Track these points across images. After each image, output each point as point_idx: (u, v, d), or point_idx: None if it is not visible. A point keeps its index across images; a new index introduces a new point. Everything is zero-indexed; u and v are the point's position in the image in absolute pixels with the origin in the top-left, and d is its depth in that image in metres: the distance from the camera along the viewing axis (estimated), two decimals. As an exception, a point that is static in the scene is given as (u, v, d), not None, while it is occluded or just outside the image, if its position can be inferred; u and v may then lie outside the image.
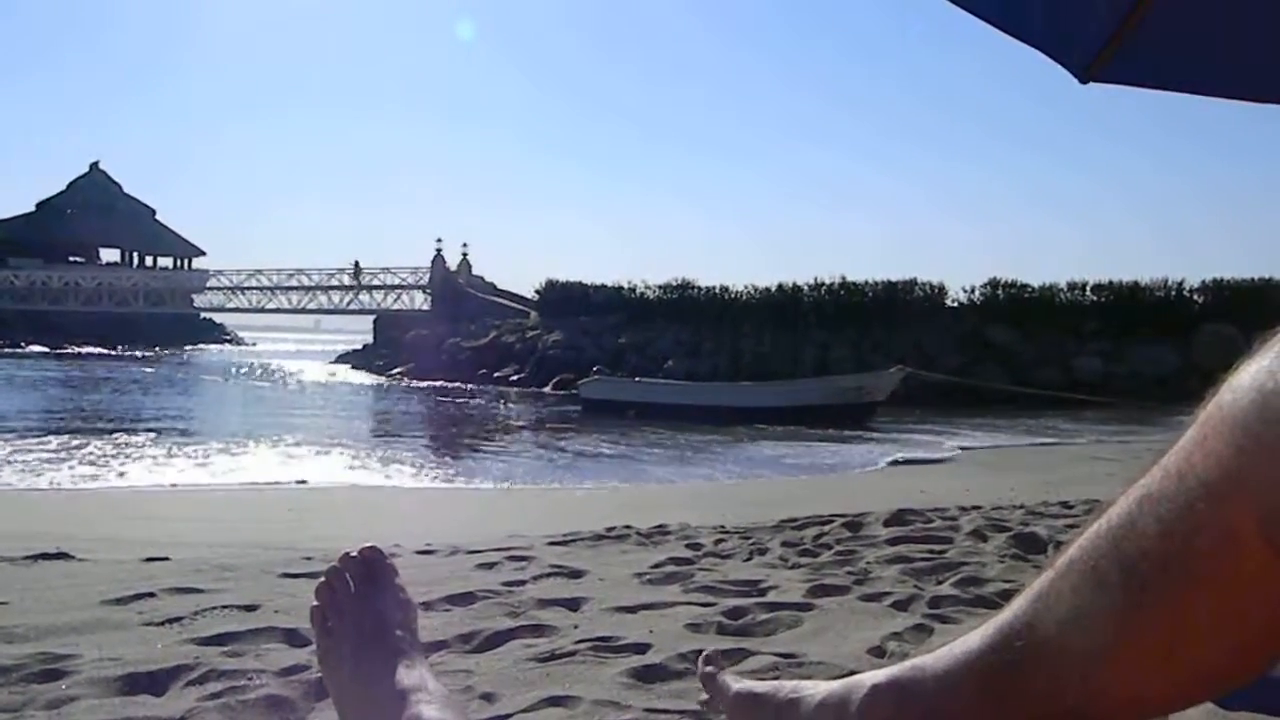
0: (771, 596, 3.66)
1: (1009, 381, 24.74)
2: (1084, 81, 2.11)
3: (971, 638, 0.68)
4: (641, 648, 2.89)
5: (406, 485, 11.38)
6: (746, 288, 33.98)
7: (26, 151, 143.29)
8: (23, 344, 45.36)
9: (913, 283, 31.46)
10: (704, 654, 0.93)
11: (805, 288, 32.66)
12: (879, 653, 2.93)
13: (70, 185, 76.30)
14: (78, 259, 66.19)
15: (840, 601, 3.57)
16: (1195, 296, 29.59)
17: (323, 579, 1.25)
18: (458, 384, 31.78)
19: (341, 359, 41.54)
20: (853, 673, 0.78)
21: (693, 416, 19.02)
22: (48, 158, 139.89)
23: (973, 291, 31.41)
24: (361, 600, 1.21)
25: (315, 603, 1.24)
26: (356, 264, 46.98)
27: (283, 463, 12.68)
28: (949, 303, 31.54)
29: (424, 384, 32.26)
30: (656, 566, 4.21)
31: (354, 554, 1.27)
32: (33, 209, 74.74)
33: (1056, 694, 0.61)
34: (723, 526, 5.75)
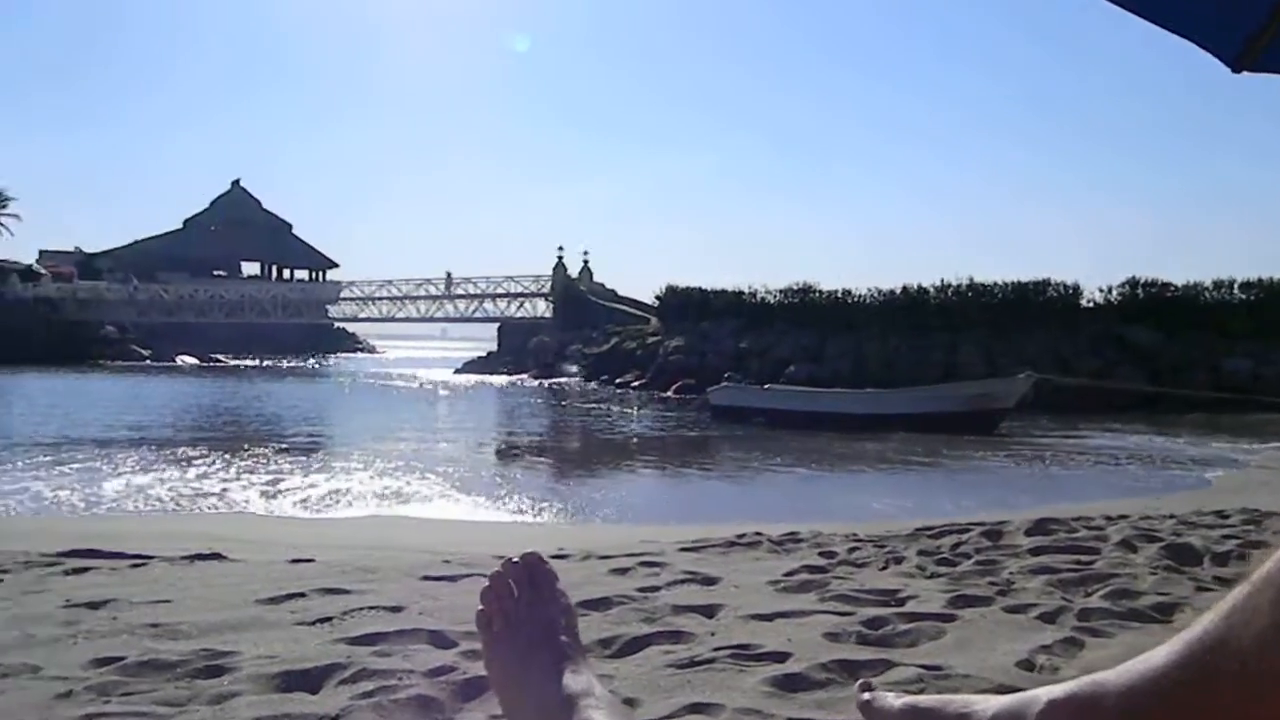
0: (911, 606, 3.58)
1: (1148, 385, 23.74)
2: (1236, 71, 2.02)
3: (1156, 654, 0.66)
4: (781, 656, 2.86)
5: (535, 488, 11.55)
6: (870, 290, 33.46)
7: (174, 171, 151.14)
8: (174, 356, 47.87)
9: (1045, 283, 30.44)
10: (859, 682, 0.91)
11: (931, 290, 31.95)
12: (1028, 666, 2.84)
13: (213, 202, 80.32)
14: (221, 273, 69.57)
15: (983, 613, 3.47)
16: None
17: (486, 584, 1.27)
18: (579, 390, 32.19)
19: (467, 366, 42.49)
20: (1002, 686, 0.75)
21: (821, 424, 18.80)
22: (193, 177, 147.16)
23: (1109, 291, 30.22)
24: (525, 605, 1.23)
25: (480, 607, 1.26)
26: (449, 275, 48.18)
27: (411, 474, 13.01)
28: (1084, 303, 30.40)
29: (547, 390, 32.76)
30: (790, 574, 4.17)
31: (516, 559, 1.29)
32: (180, 226, 78.93)
33: (1248, 712, 0.59)
34: (855, 534, 5.66)
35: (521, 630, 1.20)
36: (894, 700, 0.84)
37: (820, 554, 4.83)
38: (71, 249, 74.34)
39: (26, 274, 58.61)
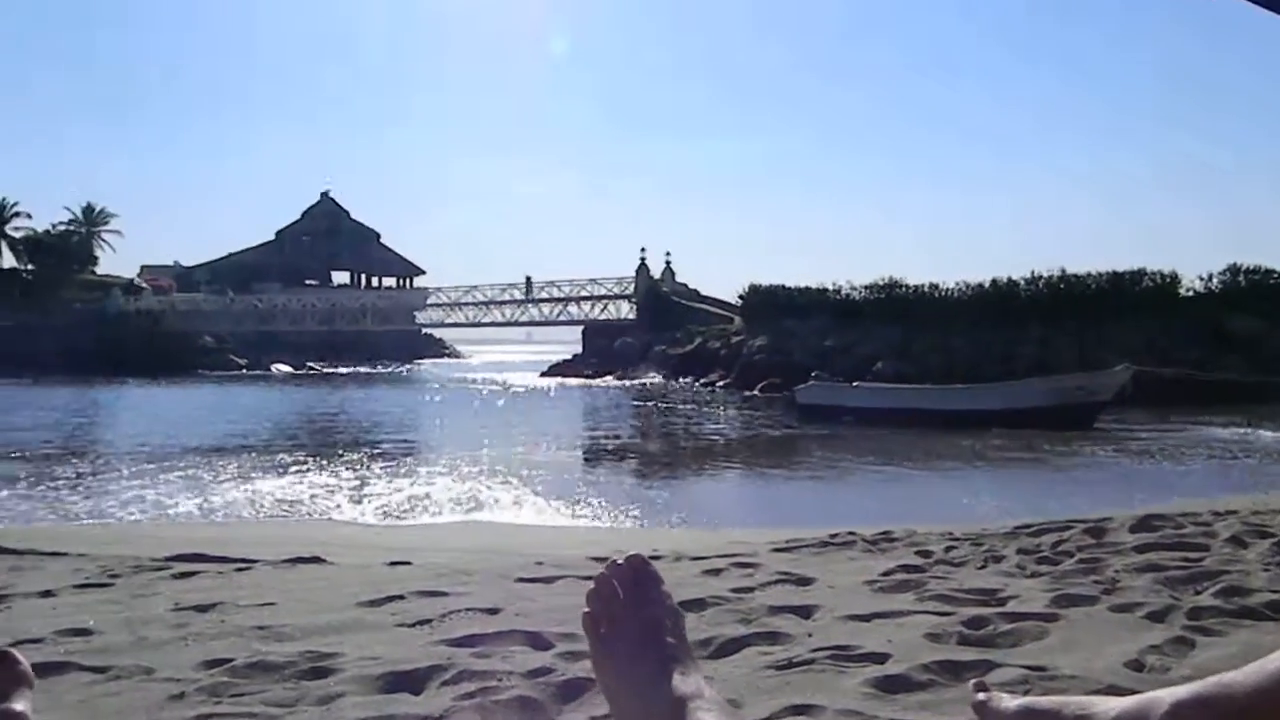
0: (1012, 606, 3.50)
1: (1252, 376, 22.86)
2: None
3: None
4: (880, 657, 2.81)
5: (622, 491, 11.59)
6: (958, 284, 32.90)
7: (267, 184, 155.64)
8: (269, 365, 49.31)
9: (1141, 272, 29.57)
10: (973, 682, 0.89)
11: (1021, 282, 31.28)
12: (1137, 667, 2.75)
13: (304, 214, 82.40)
14: (312, 282, 71.29)
15: (1088, 612, 3.37)
16: None
17: (592, 586, 1.27)
18: (663, 390, 32.23)
19: (552, 369, 42.83)
20: (1111, 688, 0.72)
21: (911, 421, 18.51)
22: (285, 189, 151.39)
23: (1210, 279, 29.21)
24: (631, 607, 1.23)
25: (585, 609, 1.25)
26: (528, 279, 48.68)
27: (498, 478, 13.15)
28: (1183, 291, 29.43)
29: (631, 391, 32.87)
30: (887, 574, 4.10)
31: (620, 561, 1.28)
32: (272, 237, 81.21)
33: None
34: (951, 533, 5.56)
35: (628, 632, 1.19)
36: (1009, 701, 0.82)
37: (916, 553, 4.75)
38: (170, 263, 77.18)
39: (129, 288, 61.01)
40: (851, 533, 5.48)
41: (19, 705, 1.00)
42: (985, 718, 0.83)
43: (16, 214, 76.95)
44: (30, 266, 64.68)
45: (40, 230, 70.36)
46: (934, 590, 3.77)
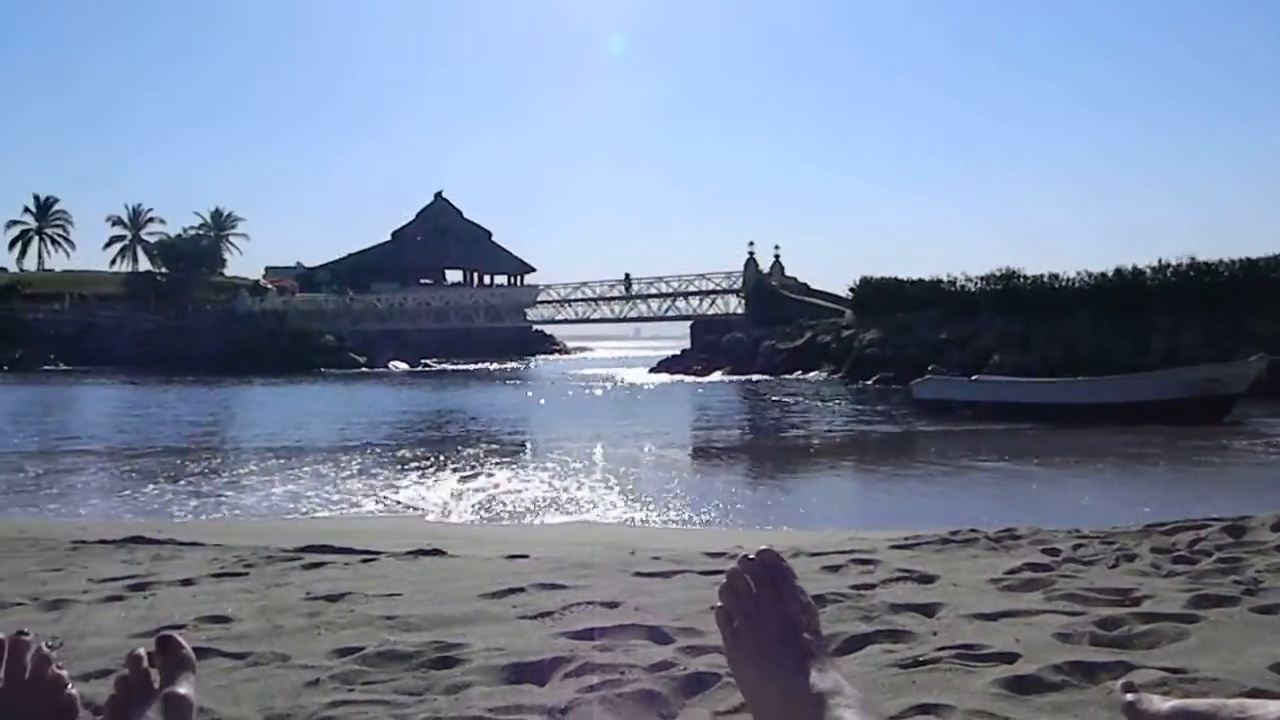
0: (1147, 606, 3.36)
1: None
2: None
3: None
4: (1009, 657, 2.74)
5: (734, 487, 11.55)
6: (1079, 274, 31.83)
7: (384, 186, 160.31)
8: (386, 362, 50.73)
9: (1278, 259, 28.09)
10: (1121, 682, 0.86)
11: (1148, 271, 30.07)
12: (1284, 670, 2.61)
13: (419, 214, 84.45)
14: (427, 280, 72.99)
15: (1229, 613, 3.22)
16: None
17: (724, 581, 1.26)
18: (773, 385, 31.98)
19: (661, 364, 42.87)
20: (1256, 691, 0.68)
21: (1034, 415, 17.97)
22: (400, 190, 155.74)
23: (1356, 264, 27.60)
24: (766, 602, 1.22)
25: (718, 604, 1.25)
26: (627, 276, 48.82)
27: (611, 475, 13.24)
28: (1325, 278, 27.88)
29: (741, 386, 32.72)
30: (1012, 572, 3.99)
31: (752, 556, 1.27)
32: (389, 238, 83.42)
33: None
34: (1079, 531, 5.37)
35: (763, 628, 1.18)
36: (1161, 703, 0.79)
37: (1043, 551, 4.60)
38: (293, 264, 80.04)
39: (255, 289, 63.48)
40: (973, 530, 5.34)
41: (183, 689, 1.04)
42: (1135, 719, 0.81)
43: (151, 220, 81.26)
44: (164, 270, 67.84)
45: (173, 235, 73.89)
46: (1063, 589, 3.65)
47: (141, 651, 1.09)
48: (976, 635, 2.99)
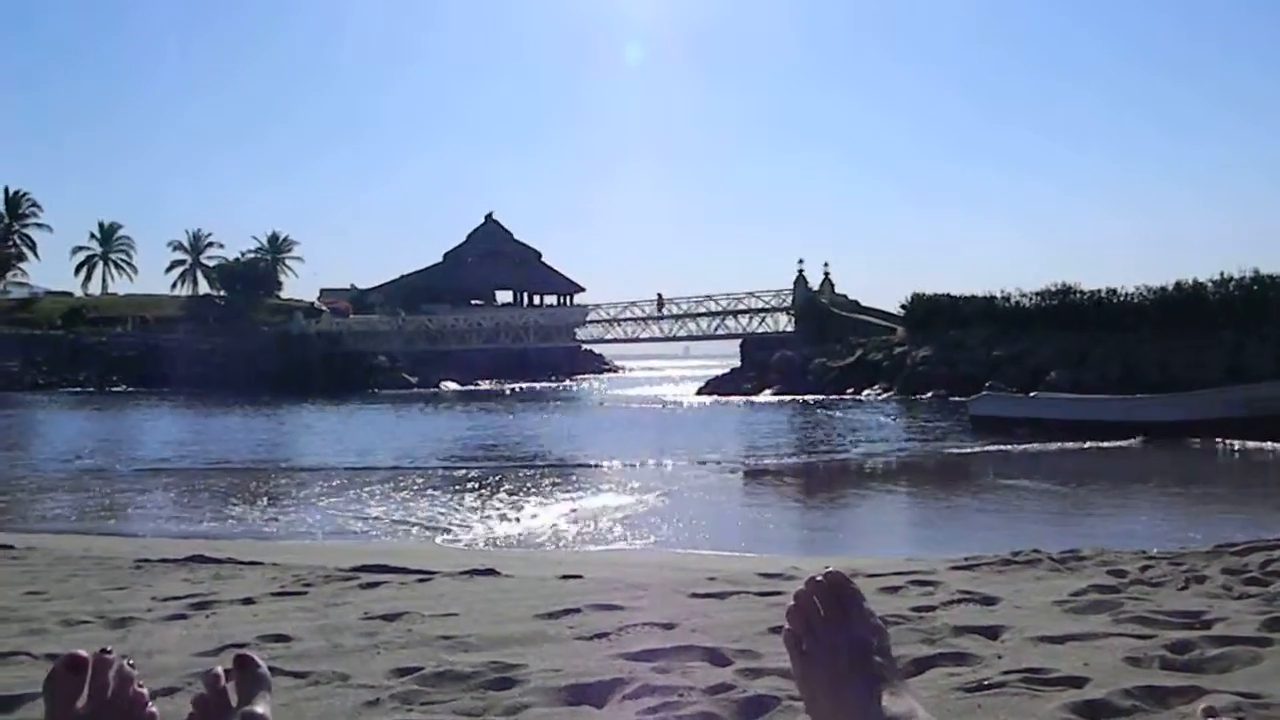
0: (1219, 629, 3.27)
1: None
2: None
3: None
4: (1078, 681, 2.67)
5: (786, 510, 11.46)
6: (1138, 288, 31.27)
7: (435, 208, 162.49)
8: (438, 382, 51.24)
9: (1346, 271, 27.43)
10: (1203, 706, 0.83)
11: (1210, 284, 29.46)
12: (1365, 697, 2.52)
13: (469, 236, 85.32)
14: (478, 301, 73.67)
15: (1307, 637, 3.12)
16: None
17: (791, 604, 1.24)
18: (825, 404, 31.74)
19: (710, 384, 42.67)
20: None
21: (1094, 433, 17.62)
22: (452, 213, 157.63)
23: None
24: (835, 625, 1.20)
25: (786, 626, 1.23)
26: (660, 296, 48.86)
27: (661, 494, 13.21)
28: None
29: (791, 405, 32.51)
30: (1078, 594, 3.90)
31: (819, 577, 1.25)
32: (440, 259, 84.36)
33: None
34: (1146, 552, 5.25)
35: (834, 651, 1.16)
36: None
37: (1109, 572, 4.50)
38: (347, 286, 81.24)
39: (309, 311, 64.50)
40: (1035, 551, 5.24)
41: (260, 708, 1.05)
42: None
43: (210, 244, 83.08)
44: (223, 293, 69.21)
45: (231, 259, 75.41)
46: (1131, 611, 3.56)
47: (219, 670, 1.10)
48: (1043, 658, 2.92)
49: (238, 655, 1.10)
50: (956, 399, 26.97)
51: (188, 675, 2.88)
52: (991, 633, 3.30)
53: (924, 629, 3.34)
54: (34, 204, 77.74)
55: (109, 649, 1.03)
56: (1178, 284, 30.25)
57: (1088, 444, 16.71)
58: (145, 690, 1.03)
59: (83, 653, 1.01)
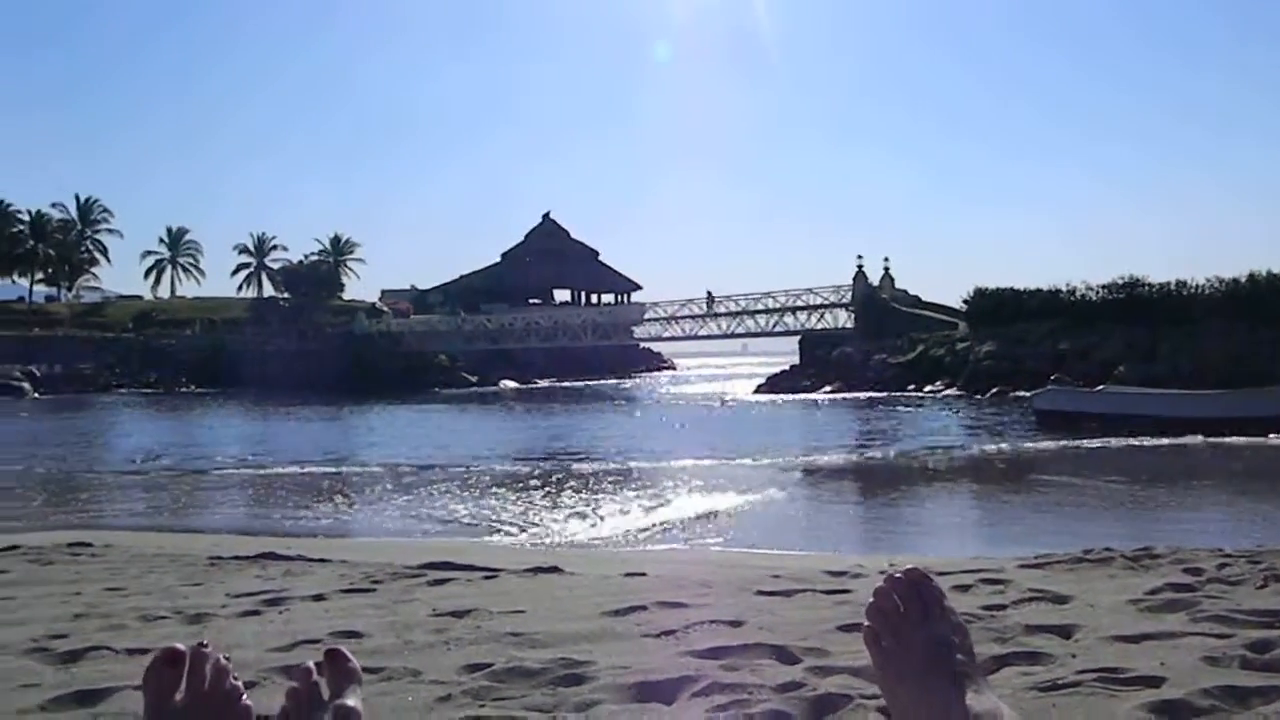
0: (1301, 629, 3.18)
1: None
2: None
3: None
4: (1154, 681, 2.62)
5: (848, 509, 11.37)
6: (1208, 280, 30.49)
7: (493, 209, 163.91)
8: (497, 381, 51.67)
9: None
10: None
11: (1284, 276, 28.66)
12: None
13: (527, 236, 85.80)
14: (536, 300, 74.08)
15: (1395, 638, 3.02)
16: None
17: (871, 602, 1.23)
18: (885, 400, 31.42)
19: (769, 381, 42.37)
20: None
21: (1164, 429, 17.20)
22: (509, 213, 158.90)
23: None
24: (916, 623, 1.19)
25: (866, 623, 1.23)
26: (709, 294, 48.62)
27: (720, 493, 13.16)
28: None
29: (852, 402, 32.22)
30: (1153, 593, 3.82)
31: (899, 574, 1.25)
32: (498, 259, 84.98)
33: None
34: (1222, 550, 5.12)
35: (915, 649, 1.15)
36: None
37: (1184, 570, 4.39)
38: (407, 286, 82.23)
39: (371, 311, 65.40)
40: (1108, 549, 5.13)
41: (351, 700, 1.07)
42: None
43: (275, 247, 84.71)
44: (287, 295, 70.44)
45: (295, 261, 76.75)
46: (1208, 610, 3.48)
47: (311, 664, 1.12)
48: (1118, 658, 2.87)
49: (329, 650, 1.12)
50: (1020, 394, 26.50)
51: (264, 670, 2.94)
52: (1065, 632, 3.25)
53: (996, 628, 3.30)
54: (105, 210, 79.86)
55: (205, 642, 1.05)
56: (1250, 275, 29.45)
57: (1163, 440, 16.33)
58: (240, 683, 1.05)
59: (180, 646, 1.04)
